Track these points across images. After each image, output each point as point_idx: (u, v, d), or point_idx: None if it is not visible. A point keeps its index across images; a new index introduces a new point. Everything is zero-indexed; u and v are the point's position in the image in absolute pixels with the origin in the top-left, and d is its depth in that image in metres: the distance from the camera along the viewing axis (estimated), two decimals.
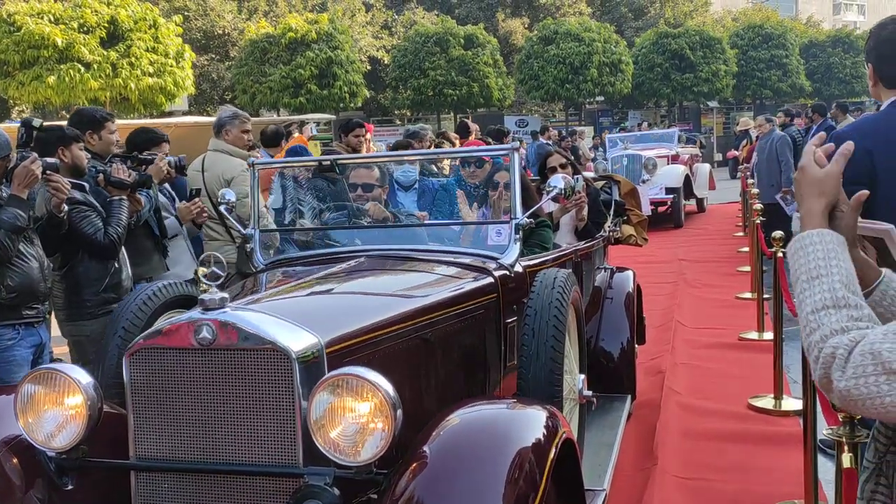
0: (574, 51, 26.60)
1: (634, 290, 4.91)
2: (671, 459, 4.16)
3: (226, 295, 2.27)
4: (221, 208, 3.75)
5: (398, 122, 29.16)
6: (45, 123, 4.00)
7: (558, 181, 3.47)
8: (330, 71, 23.18)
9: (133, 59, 17.56)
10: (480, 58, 26.23)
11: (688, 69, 28.50)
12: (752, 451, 4.32)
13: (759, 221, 7.11)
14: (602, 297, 4.74)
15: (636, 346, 4.82)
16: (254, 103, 23.27)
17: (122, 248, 4.06)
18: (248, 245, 3.63)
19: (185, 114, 20.87)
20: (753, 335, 6.57)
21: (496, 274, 3.22)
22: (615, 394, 4.43)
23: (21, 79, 17.14)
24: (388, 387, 2.05)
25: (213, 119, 6.30)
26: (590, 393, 3.30)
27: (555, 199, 3.67)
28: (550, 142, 15.55)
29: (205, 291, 2.28)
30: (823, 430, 2.79)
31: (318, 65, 22.99)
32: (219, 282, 2.29)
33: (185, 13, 24.02)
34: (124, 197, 4.07)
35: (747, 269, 8.80)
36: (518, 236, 3.33)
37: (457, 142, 9.42)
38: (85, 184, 4.03)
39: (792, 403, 4.86)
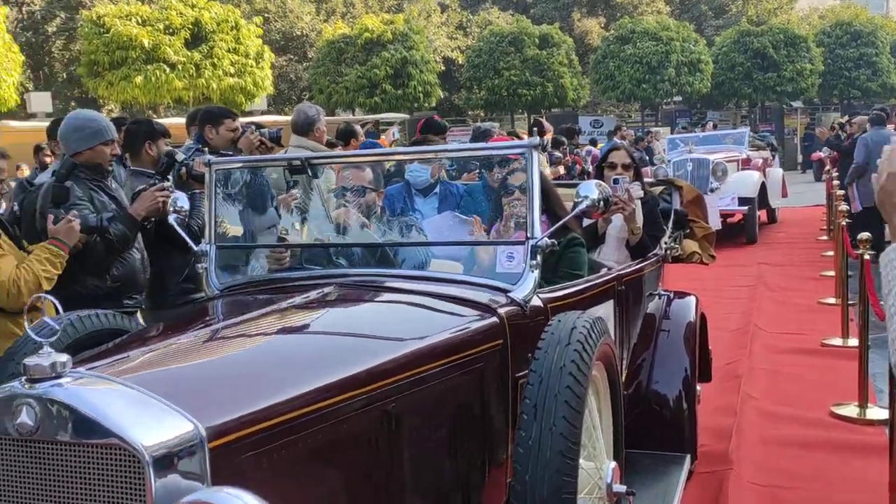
0: (651, 50, 26.18)
1: (697, 319, 4.02)
2: (747, 465, 4.05)
3: (63, 358, 1.62)
4: (171, 218, 3.08)
5: (472, 122, 29.22)
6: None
7: (590, 190, 2.67)
8: (405, 71, 23.40)
9: (215, 60, 18.17)
10: (555, 57, 26.09)
11: (771, 68, 27.68)
12: (834, 459, 4.17)
13: (844, 223, 6.84)
14: (656, 330, 3.92)
15: (699, 387, 3.99)
16: (330, 103, 23.67)
17: None
18: (200, 265, 2.97)
19: (263, 113, 21.37)
20: (837, 341, 6.32)
21: (502, 311, 2.49)
22: (670, 452, 3.61)
23: (110, 79, 17.91)
24: None
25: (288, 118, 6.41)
26: (623, 488, 2.48)
27: (586, 214, 2.92)
28: (626, 142, 15.31)
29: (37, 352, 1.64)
30: None
31: (393, 65, 23.25)
32: (53, 338, 1.66)
33: (266, 15, 24.64)
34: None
35: (831, 273, 8.49)
36: (536, 262, 2.59)
37: None
38: (169, 178, 4.16)
39: (877, 412, 4.66)
